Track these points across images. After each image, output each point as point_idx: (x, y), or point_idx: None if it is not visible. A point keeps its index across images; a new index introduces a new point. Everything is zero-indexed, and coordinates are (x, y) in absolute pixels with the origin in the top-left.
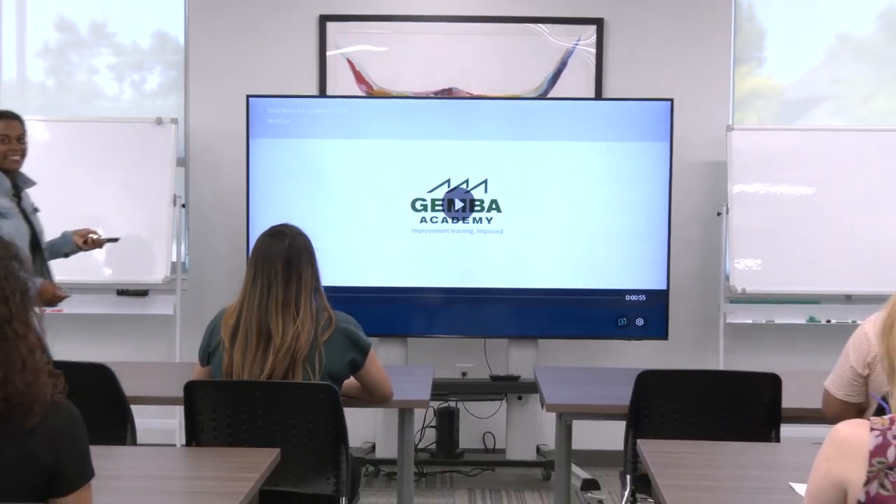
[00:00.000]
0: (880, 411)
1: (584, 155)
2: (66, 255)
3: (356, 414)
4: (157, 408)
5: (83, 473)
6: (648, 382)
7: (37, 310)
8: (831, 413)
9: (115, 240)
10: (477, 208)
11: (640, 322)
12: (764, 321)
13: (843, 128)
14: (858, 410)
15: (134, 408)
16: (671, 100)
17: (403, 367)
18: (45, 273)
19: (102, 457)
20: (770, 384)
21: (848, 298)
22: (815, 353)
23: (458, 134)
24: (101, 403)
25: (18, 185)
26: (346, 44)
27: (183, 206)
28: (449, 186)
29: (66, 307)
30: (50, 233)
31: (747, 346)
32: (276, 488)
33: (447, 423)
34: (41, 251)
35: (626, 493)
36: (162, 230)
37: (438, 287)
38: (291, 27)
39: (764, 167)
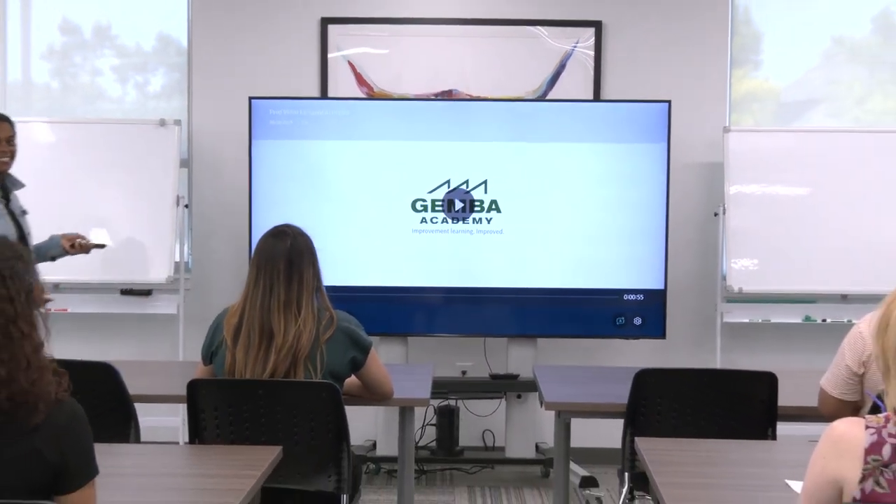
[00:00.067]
0: (875, 409)
1: (583, 156)
2: (53, 259)
3: (357, 412)
4: (160, 406)
5: (87, 471)
6: (646, 381)
7: (42, 309)
8: (827, 411)
9: (102, 246)
10: (477, 209)
11: (637, 321)
12: (760, 320)
13: (839, 129)
14: (854, 409)
15: (137, 406)
16: (669, 102)
17: (404, 365)
18: None
19: (106, 454)
20: (766, 382)
21: (843, 298)
22: (811, 351)
23: (458, 135)
24: (105, 402)
25: (7, 186)
26: (348, 46)
27: (186, 206)
28: (449, 187)
29: (70, 306)
30: (52, 233)
31: (744, 345)
32: (278, 485)
33: (447, 421)
34: None
35: (624, 490)
36: (165, 230)
37: (438, 287)
38: (293, 30)
39: (760, 168)
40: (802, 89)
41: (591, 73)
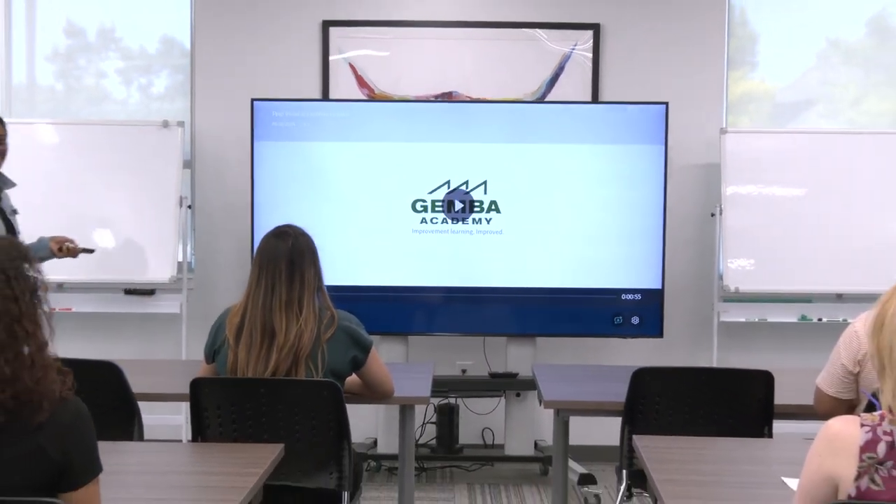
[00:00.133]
0: (870, 408)
1: (581, 157)
2: (41, 261)
3: (358, 410)
4: (163, 404)
5: (91, 469)
6: (644, 379)
7: (46, 308)
8: (823, 409)
9: (91, 251)
10: (476, 209)
11: (635, 321)
12: (757, 319)
13: (834, 130)
14: (849, 407)
15: (141, 404)
16: (666, 103)
17: (404, 364)
18: None
19: (110, 452)
20: (763, 381)
21: (839, 297)
22: (807, 350)
23: (458, 136)
24: (108, 400)
25: None
26: (349, 48)
27: (189, 207)
28: (449, 188)
29: (74, 306)
30: (56, 233)
31: (740, 343)
32: (279, 483)
33: (447, 419)
34: None
35: (622, 487)
36: (168, 231)
37: (438, 286)
38: (295, 32)
39: (757, 169)
40: (798, 91)
41: (590, 75)
